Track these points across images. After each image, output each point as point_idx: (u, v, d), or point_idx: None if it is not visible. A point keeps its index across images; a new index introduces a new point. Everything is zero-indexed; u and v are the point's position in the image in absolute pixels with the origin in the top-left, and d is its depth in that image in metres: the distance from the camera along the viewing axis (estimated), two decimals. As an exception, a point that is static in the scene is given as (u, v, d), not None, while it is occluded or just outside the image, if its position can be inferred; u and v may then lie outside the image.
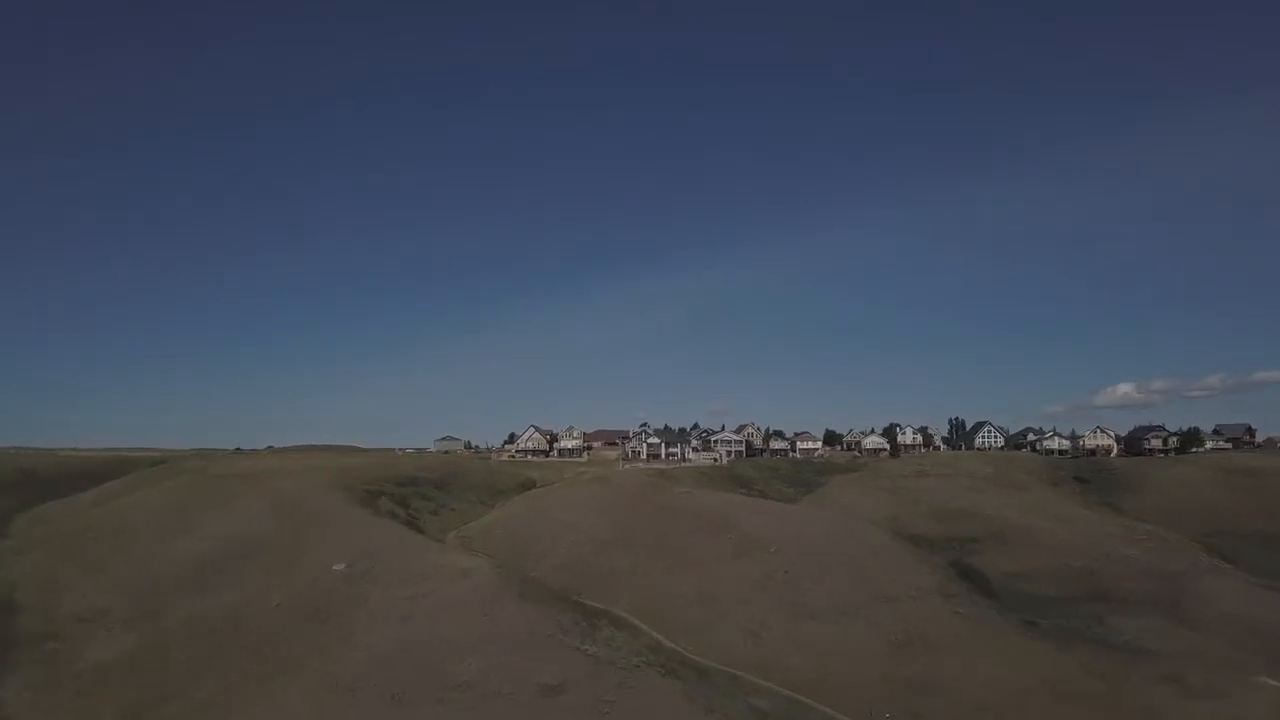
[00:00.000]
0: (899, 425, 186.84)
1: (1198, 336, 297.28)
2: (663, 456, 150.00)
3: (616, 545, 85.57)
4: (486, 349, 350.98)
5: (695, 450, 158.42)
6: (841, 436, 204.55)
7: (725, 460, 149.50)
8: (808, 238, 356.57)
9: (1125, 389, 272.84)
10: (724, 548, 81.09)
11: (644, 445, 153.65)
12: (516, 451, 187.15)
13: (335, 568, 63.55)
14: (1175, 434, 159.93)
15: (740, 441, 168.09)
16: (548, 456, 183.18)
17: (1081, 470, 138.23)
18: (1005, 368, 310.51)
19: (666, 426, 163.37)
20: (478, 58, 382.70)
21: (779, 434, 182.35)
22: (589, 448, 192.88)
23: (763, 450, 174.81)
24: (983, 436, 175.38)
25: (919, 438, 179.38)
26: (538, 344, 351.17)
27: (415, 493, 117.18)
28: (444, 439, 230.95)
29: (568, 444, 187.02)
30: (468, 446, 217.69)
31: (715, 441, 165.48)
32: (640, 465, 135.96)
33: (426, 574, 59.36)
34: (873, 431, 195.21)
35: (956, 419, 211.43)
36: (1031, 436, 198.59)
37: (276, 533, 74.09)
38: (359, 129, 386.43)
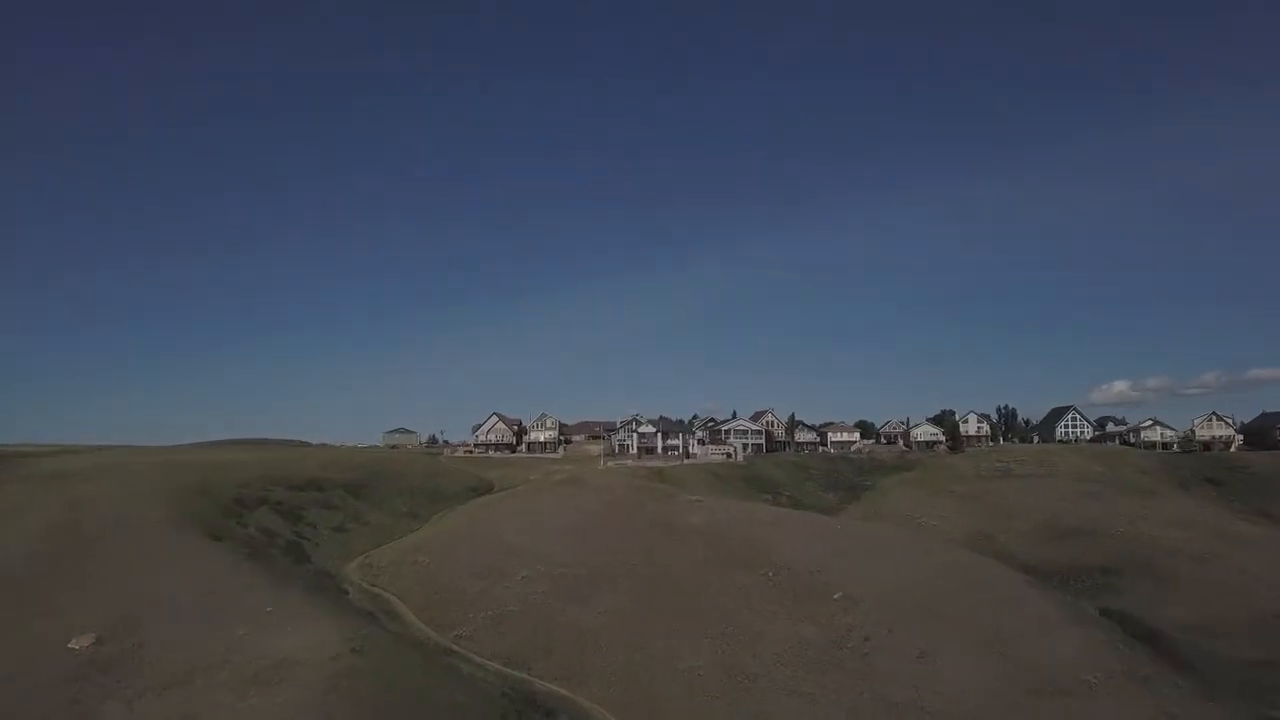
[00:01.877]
0: (952, 412, 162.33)
1: (1192, 334, 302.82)
2: (659, 451, 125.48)
3: (591, 585, 60.86)
4: (471, 347, 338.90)
5: (701, 443, 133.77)
6: (876, 427, 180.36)
7: (741, 456, 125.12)
8: (800, 235, 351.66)
9: (1120, 386, 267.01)
10: (758, 591, 56.45)
11: (634, 437, 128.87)
12: (475, 445, 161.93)
13: (74, 645, 38.34)
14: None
15: (759, 432, 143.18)
16: (514, 452, 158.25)
17: (1210, 469, 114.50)
18: (997, 364, 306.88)
19: (664, 417, 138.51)
20: (472, 54, 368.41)
21: (803, 424, 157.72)
22: (567, 441, 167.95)
23: (786, 443, 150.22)
24: (1065, 426, 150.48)
25: (984, 427, 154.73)
26: (524, 341, 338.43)
27: (317, 500, 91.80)
28: (396, 431, 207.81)
29: (539, 436, 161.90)
30: (433, 441, 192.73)
31: (727, 433, 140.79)
32: (629, 463, 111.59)
33: (220, 664, 34.19)
34: (905, 422, 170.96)
35: (1006, 407, 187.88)
36: (1112, 427, 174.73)
37: (20, 572, 48.50)
38: (345, 127, 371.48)
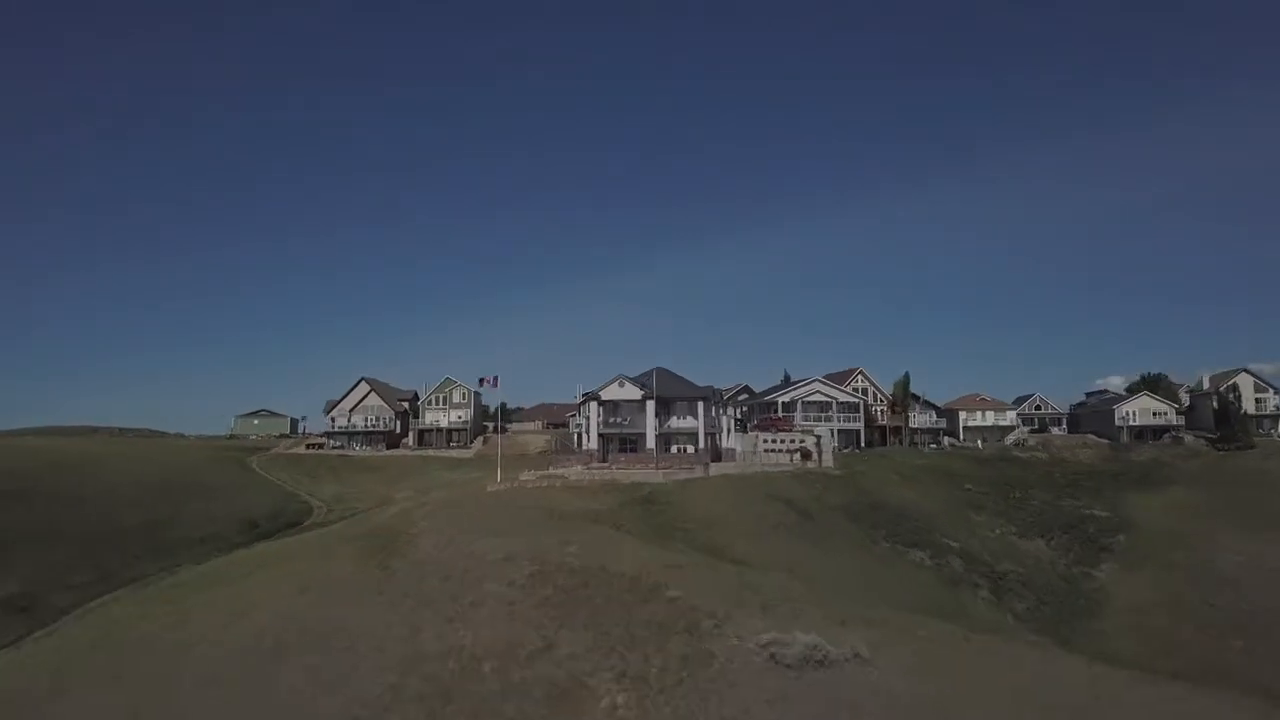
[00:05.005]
0: (1165, 376, 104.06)
1: (1189, 331, 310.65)
2: (649, 444, 65.16)
3: None
4: (458, 345, 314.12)
5: (739, 428, 75.72)
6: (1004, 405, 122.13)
7: (828, 455, 65.91)
8: (794, 231, 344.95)
9: (1116, 383, 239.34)
10: None
11: (595, 415, 66.75)
12: (331, 434, 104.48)
13: None
14: None
15: (853, 407, 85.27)
16: (395, 446, 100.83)
17: None
18: (989, 362, 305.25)
19: (662, 369, 72.44)
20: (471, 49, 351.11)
21: (921, 398, 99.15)
22: (501, 429, 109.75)
23: (896, 429, 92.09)
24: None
25: (1272, 399, 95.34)
26: (511, 337, 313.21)
27: None
28: (254, 414, 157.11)
29: (439, 419, 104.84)
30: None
31: (790, 407, 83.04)
32: (579, 471, 53.34)
33: None
34: (1039, 405, 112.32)
35: (1150, 374, 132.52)
36: None
37: None
38: (330, 124, 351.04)
